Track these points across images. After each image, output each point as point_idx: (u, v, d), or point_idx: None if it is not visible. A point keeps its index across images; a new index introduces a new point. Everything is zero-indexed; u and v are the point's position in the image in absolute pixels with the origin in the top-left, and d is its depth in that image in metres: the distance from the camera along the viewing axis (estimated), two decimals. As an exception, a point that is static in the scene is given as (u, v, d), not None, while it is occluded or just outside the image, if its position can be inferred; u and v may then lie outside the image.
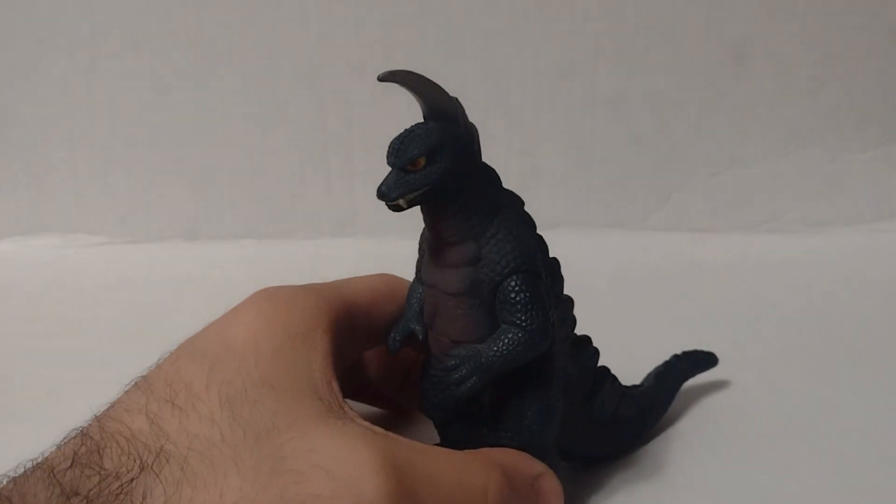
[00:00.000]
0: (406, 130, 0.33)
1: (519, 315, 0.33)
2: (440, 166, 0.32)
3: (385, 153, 0.32)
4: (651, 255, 0.75)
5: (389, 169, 0.32)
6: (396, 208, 0.32)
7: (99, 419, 0.30)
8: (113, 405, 0.31)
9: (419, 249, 0.37)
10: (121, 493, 0.27)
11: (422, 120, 0.33)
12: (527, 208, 0.36)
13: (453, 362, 0.34)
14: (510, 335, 0.33)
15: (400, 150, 0.32)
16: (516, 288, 0.34)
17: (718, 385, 0.52)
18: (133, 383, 0.32)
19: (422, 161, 0.32)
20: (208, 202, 0.79)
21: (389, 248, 0.75)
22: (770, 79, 0.77)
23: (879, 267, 0.73)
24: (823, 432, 0.46)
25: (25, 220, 0.80)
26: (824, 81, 0.77)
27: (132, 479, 0.27)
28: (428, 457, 0.31)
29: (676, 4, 0.75)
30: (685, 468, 0.43)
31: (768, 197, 0.79)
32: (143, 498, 0.27)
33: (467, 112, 0.33)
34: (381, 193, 0.31)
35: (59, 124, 0.78)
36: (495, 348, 0.34)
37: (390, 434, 0.31)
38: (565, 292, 0.37)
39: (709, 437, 0.46)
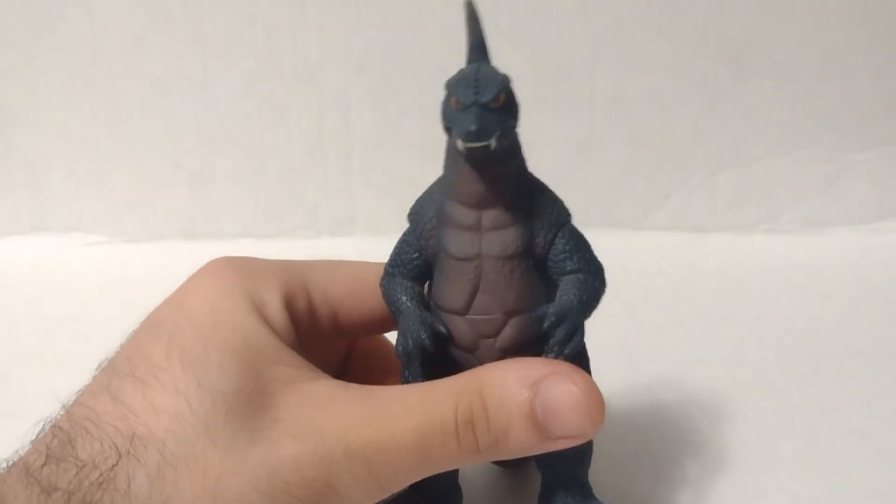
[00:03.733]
0: (468, 69, 0.31)
1: (585, 260, 0.32)
2: (517, 105, 0.30)
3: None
4: (650, 255, 0.75)
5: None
6: (484, 152, 0.29)
7: (67, 408, 0.29)
8: (80, 391, 0.30)
9: (415, 230, 0.34)
10: (102, 482, 0.26)
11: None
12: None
13: (549, 321, 0.31)
14: (587, 282, 0.32)
15: (483, 85, 0.29)
16: (576, 234, 0.32)
17: (717, 385, 0.52)
18: (98, 366, 0.31)
19: (503, 98, 0.30)
20: (207, 202, 0.79)
21: (388, 247, 0.75)
22: (769, 79, 0.77)
23: (878, 267, 0.73)
24: (822, 432, 0.46)
25: (24, 220, 0.80)
26: (823, 82, 0.77)
27: (112, 467, 0.26)
28: (394, 402, 0.29)
29: (675, 5, 0.75)
30: (684, 468, 0.43)
31: (767, 197, 0.79)
32: (128, 485, 0.26)
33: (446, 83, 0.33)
34: (478, 131, 0.29)
35: (57, 123, 0.77)
36: (582, 297, 0.31)
37: (358, 388, 0.30)
38: None
39: (707, 437, 0.46)
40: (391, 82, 0.75)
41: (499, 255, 0.31)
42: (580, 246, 0.32)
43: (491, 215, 0.31)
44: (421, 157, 0.75)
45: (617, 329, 0.59)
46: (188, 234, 0.80)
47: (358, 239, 0.78)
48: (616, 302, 0.67)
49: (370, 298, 0.36)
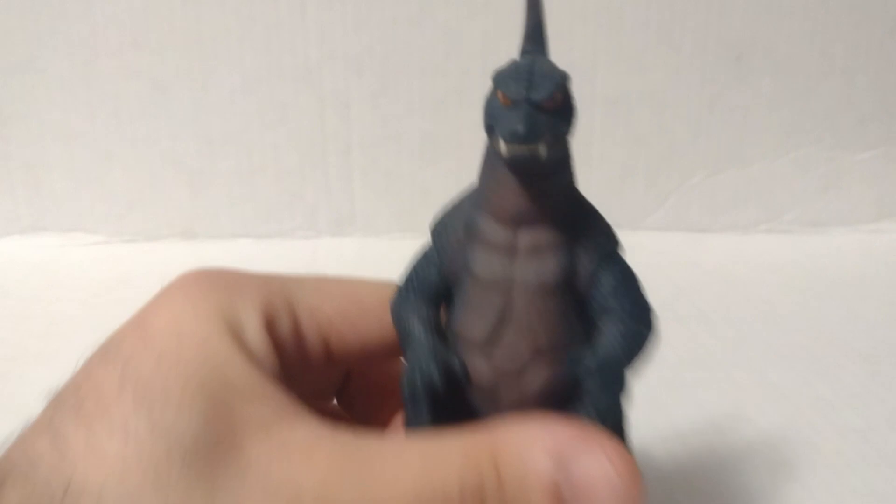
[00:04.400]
0: (522, 61, 0.27)
1: (633, 300, 0.28)
2: (574, 109, 0.26)
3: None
4: (649, 256, 0.74)
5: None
6: (531, 158, 0.25)
7: (7, 447, 0.25)
8: (24, 426, 0.25)
9: (437, 245, 0.29)
10: None
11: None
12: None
13: (585, 368, 0.26)
14: (632, 325, 0.27)
15: (537, 81, 0.25)
16: (625, 268, 0.28)
17: (716, 385, 0.52)
18: (48, 395, 0.26)
19: (559, 98, 0.25)
20: (206, 201, 0.79)
21: (388, 247, 0.75)
22: (768, 78, 0.76)
23: (878, 267, 0.73)
24: (822, 433, 0.46)
25: (23, 219, 0.80)
26: (823, 81, 0.77)
27: None
28: (388, 459, 0.25)
29: (675, 4, 0.74)
30: (684, 468, 0.43)
31: (766, 197, 0.79)
32: None
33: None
34: (526, 132, 0.24)
35: (56, 123, 0.77)
36: (626, 342, 0.27)
37: (347, 435, 0.26)
38: None
39: (706, 438, 0.46)
40: (391, 82, 0.75)
41: (533, 283, 0.27)
42: (628, 282, 0.28)
43: (529, 236, 0.27)
44: (421, 157, 0.75)
45: None
46: (188, 233, 0.79)
47: (358, 239, 0.78)
48: None
49: (367, 322, 0.31)
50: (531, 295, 0.27)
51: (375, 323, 0.31)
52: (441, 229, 0.29)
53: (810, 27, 0.75)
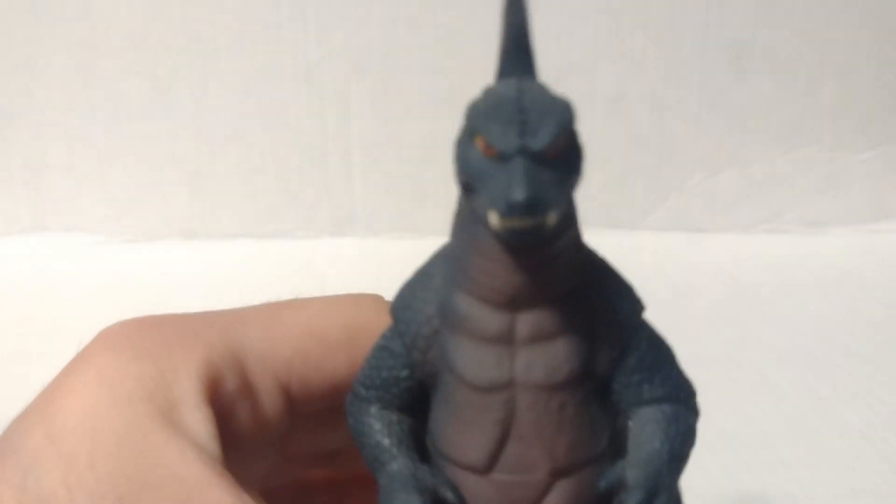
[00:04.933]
0: (506, 90, 0.19)
1: (672, 382, 0.22)
2: (582, 151, 0.20)
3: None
4: (649, 256, 0.75)
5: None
6: (535, 233, 0.18)
7: None
8: None
9: (404, 334, 0.22)
10: None
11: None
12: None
13: (633, 498, 0.20)
14: (677, 419, 0.22)
15: (534, 120, 0.18)
16: (656, 341, 0.22)
17: (717, 385, 0.52)
18: None
19: (563, 142, 0.19)
20: (206, 201, 0.79)
21: (388, 247, 0.75)
22: (769, 78, 0.76)
23: (878, 267, 0.73)
24: (822, 433, 0.46)
25: (23, 219, 0.80)
26: (823, 81, 0.76)
27: None
28: None
29: (675, 4, 0.74)
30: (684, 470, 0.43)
31: (767, 197, 0.79)
32: None
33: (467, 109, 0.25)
34: (529, 200, 0.18)
35: (56, 123, 0.77)
36: (674, 446, 0.21)
37: None
38: None
39: (707, 437, 0.46)
40: (391, 81, 0.75)
41: (543, 384, 0.21)
42: (662, 359, 0.22)
43: (531, 320, 0.20)
44: (421, 156, 0.75)
45: None
46: (188, 233, 0.79)
47: (358, 239, 0.78)
48: None
49: (334, 360, 0.25)
50: (540, 398, 0.21)
51: (344, 359, 0.25)
52: (408, 313, 0.22)
53: (810, 27, 0.75)
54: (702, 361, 0.54)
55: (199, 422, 0.22)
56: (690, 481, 0.41)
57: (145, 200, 0.79)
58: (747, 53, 0.75)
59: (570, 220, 0.21)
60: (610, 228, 0.77)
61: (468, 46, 0.75)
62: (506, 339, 0.21)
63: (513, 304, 0.20)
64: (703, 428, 0.46)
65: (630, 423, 0.22)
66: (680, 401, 0.22)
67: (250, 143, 0.78)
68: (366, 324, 0.25)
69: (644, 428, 0.21)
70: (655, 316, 0.69)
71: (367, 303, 0.26)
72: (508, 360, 0.21)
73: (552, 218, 0.18)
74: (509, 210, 0.18)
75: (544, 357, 0.21)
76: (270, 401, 0.25)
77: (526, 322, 0.21)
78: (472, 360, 0.21)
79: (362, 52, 0.74)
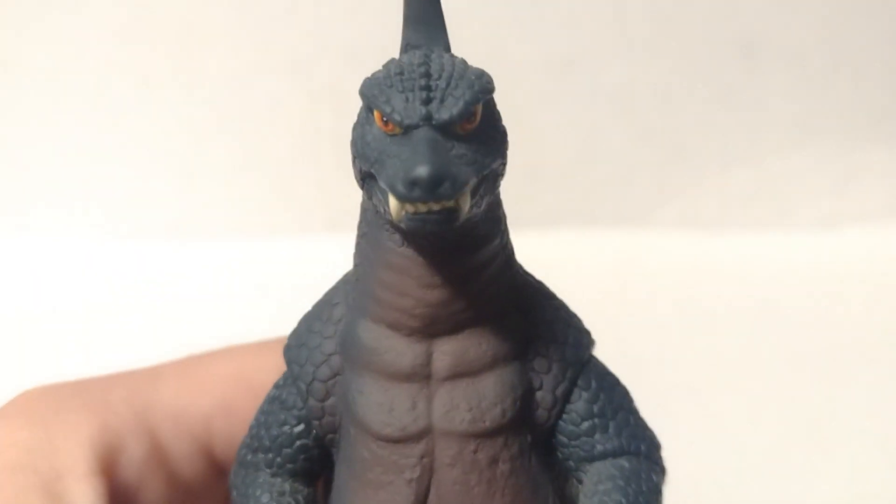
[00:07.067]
0: (412, 58, 0.17)
1: (629, 431, 0.18)
2: (503, 130, 0.18)
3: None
4: (658, 255, 0.74)
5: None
6: (445, 220, 0.16)
7: None
8: None
9: (298, 379, 0.18)
10: None
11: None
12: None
13: None
14: (636, 477, 0.17)
15: (442, 88, 0.16)
16: (607, 380, 0.19)
17: (729, 387, 0.51)
18: None
19: (479, 113, 0.17)
20: (195, 198, 0.79)
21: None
22: (780, 71, 0.76)
23: (893, 265, 0.72)
24: (835, 436, 0.46)
25: (9, 218, 0.79)
26: (837, 75, 0.76)
27: None
28: None
29: (683, -7, 0.74)
30: (694, 473, 0.42)
31: (779, 194, 0.78)
32: None
33: (362, 84, 0.22)
34: (433, 176, 0.15)
35: (42, 120, 0.77)
36: None
37: None
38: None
39: (719, 442, 0.45)
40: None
41: (468, 432, 0.17)
42: (618, 403, 0.19)
43: (451, 350, 0.17)
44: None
45: (623, 331, 0.58)
46: (177, 231, 0.78)
47: (351, 237, 0.77)
48: (620, 302, 0.67)
49: None
50: (466, 450, 0.16)
51: None
52: (302, 352, 0.19)
53: (823, 20, 0.74)
54: (712, 363, 0.54)
55: (85, 493, 0.20)
56: (700, 487, 0.40)
57: (134, 199, 0.78)
58: (759, 44, 0.75)
59: (496, 223, 0.17)
60: (617, 226, 0.76)
61: (467, 38, 0.74)
62: (420, 376, 0.17)
63: (428, 329, 0.17)
64: (716, 433, 0.45)
65: (580, 486, 0.18)
66: (641, 454, 0.18)
67: (241, 139, 0.77)
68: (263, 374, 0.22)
69: (597, 488, 0.17)
70: (664, 316, 0.69)
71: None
72: (424, 403, 0.17)
73: (465, 203, 0.15)
74: (410, 188, 0.15)
75: (469, 397, 0.16)
76: (188, 464, 0.23)
77: (445, 353, 0.17)
78: (379, 405, 0.17)
79: (356, 42, 0.74)
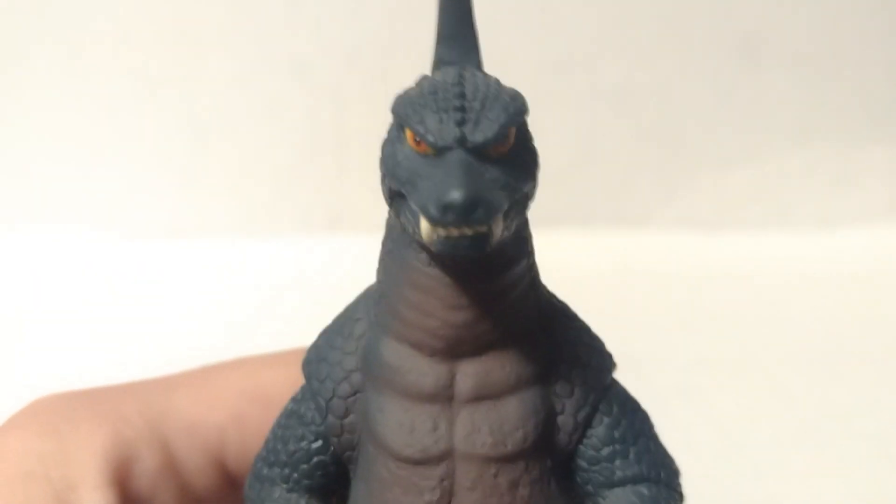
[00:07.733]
0: (445, 77, 0.16)
1: (649, 458, 0.18)
2: (535, 152, 0.17)
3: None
4: (656, 254, 0.74)
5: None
6: (477, 246, 0.15)
7: None
8: None
9: (317, 395, 0.18)
10: None
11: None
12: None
13: None
14: (659, 502, 0.18)
15: (477, 110, 0.16)
16: (629, 406, 0.19)
17: (727, 387, 0.51)
18: None
19: (513, 136, 0.16)
20: (196, 198, 0.79)
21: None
22: (780, 72, 0.76)
23: (891, 265, 0.72)
24: (835, 438, 0.46)
25: (12, 217, 0.79)
26: (837, 74, 0.76)
27: None
28: None
29: (683, -6, 0.74)
30: (694, 475, 0.42)
31: (779, 193, 0.79)
32: None
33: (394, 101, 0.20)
34: (467, 201, 0.14)
35: (43, 120, 0.77)
36: None
37: None
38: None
39: (718, 444, 0.45)
40: (385, 76, 0.74)
41: (489, 455, 0.17)
42: (639, 429, 0.18)
43: (474, 371, 0.17)
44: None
45: (622, 330, 0.58)
46: (178, 231, 0.78)
47: (350, 236, 0.77)
48: (619, 303, 0.67)
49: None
50: (486, 474, 0.17)
51: None
52: (323, 367, 0.18)
53: (824, 17, 0.74)
54: (711, 363, 0.54)
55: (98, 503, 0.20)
56: (699, 487, 0.40)
57: (134, 197, 0.79)
58: (759, 44, 0.75)
59: (523, 244, 0.17)
60: (614, 226, 0.77)
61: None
62: (443, 397, 0.17)
63: (452, 350, 0.17)
64: (715, 435, 0.45)
65: None
66: (661, 481, 0.18)
67: (241, 140, 0.77)
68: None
69: None
70: (664, 316, 0.69)
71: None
72: (446, 425, 0.17)
73: (498, 228, 0.15)
74: (443, 212, 0.14)
75: (491, 420, 0.17)
76: (201, 476, 0.22)
77: (468, 374, 0.17)
78: (400, 425, 0.17)
79: (356, 44, 0.74)
